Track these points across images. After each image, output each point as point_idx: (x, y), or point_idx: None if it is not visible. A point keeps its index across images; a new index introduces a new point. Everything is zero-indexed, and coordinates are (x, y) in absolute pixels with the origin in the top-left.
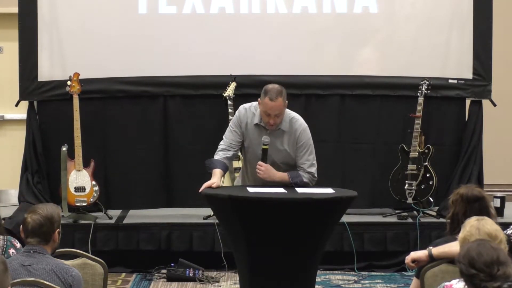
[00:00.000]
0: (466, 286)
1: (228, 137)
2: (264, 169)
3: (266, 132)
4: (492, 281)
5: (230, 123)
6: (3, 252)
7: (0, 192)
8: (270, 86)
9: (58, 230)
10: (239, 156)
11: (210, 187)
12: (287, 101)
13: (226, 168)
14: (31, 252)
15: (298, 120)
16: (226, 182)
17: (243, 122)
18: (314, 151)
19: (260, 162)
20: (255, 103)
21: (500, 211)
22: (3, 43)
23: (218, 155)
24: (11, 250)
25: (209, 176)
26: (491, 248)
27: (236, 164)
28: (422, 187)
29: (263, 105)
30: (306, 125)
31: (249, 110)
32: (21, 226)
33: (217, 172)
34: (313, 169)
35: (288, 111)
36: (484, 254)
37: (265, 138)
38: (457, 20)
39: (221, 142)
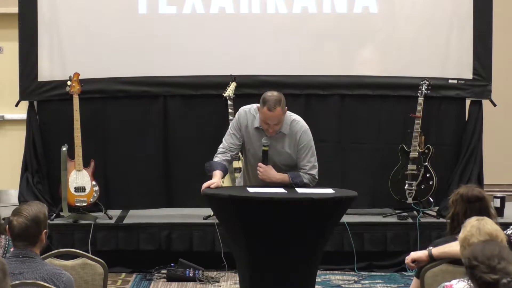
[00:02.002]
0: (469, 284)
1: (227, 140)
2: (263, 170)
3: (267, 135)
4: (492, 273)
5: (230, 126)
6: (5, 252)
7: (0, 192)
8: (269, 94)
9: (45, 230)
10: (239, 156)
11: (209, 187)
12: (286, 107)
13: (225, 170)
14: (20, 257)
15: (299, 122)
16: (226, 183)
17: (242, 125)
18: (315, 152)
19: (260, 164)
20: (255, 105)
21: (500, 211)
22: (3, 43)
23: (218, 158)
24: (13, 250)
25: (209, 178)
26: (495, 244)
27: (236, 164)
28: (422, 187)
29: (261, 114)
30: (307, 127)
31: (249, 112)
32: (6, 227)
33: (217, 173)
34: (314, 171)
35: (288, 113)
36: (487, 249)
37: (265, 140)
38: (457, 20)
39: (221, 145)
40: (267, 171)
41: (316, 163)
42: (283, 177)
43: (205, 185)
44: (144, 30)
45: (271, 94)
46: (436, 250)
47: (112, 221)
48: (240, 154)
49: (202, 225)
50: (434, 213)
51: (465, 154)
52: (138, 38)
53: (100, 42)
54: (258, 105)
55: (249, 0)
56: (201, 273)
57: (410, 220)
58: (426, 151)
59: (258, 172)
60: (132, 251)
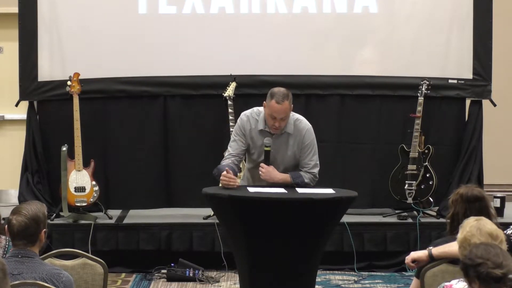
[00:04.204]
0: (467, 286)
1: (233, 146)
2: (266, 170)
3: (271, 137)
4: (498, 268)
5: (233, 132)
6: (5, 252)
7: (0, 192)
8: (276, 89)
9: (44, 230)
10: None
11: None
12: (292, 105)
13: (234, 171)
14: (19, 256)
15: (303, 121)
16: None
17: (246, 130)
18: (317, 151)
19: (262, 164)
20: (255, 109)
21: (500, 211)
22: (3, 43)
23: (225, 162)
24: (12, 250)
25: (211, 177)
26: (495, 245)
27: None
28: (422, 187)
29: (269, 108)
30: (310, 125)
31: (251, 116)
32: (6, 227)
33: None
34: (316, 170)
35: (292, 112)
36: (489, 248)
37: (267, 140)
38: (457, 20)
39: (226, 153)
40: (270, 171)
41: (318, 162)
42: (285, 177)
43: (225, 179)
44: (144, 30)
45: (279, 89)
46: (436, 250)
47: (112, 221)
48: None
49: (202, 225)
50: (434, 213)
51: (465, 154)
52: (138, 38)
53: (100, 42)
54: (258, 108)
55: (249, 0)
56: (201, 273)
57: (410, 220)
58: (426, 151)
59: (260, 172)
60: (132, 251)
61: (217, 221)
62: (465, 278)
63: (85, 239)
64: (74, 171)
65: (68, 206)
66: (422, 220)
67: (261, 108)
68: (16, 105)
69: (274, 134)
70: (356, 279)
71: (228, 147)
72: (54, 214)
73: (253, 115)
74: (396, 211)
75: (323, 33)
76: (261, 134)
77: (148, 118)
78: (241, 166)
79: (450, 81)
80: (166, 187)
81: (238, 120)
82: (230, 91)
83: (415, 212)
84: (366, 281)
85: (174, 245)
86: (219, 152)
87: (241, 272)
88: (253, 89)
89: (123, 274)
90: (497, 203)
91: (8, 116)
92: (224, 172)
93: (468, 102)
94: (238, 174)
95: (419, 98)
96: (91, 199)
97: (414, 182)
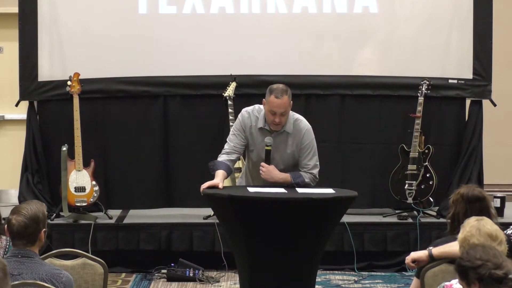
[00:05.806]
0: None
1: (232, 141)
2: (266, 170)
3: (270, 135)
4: (499, 269)
5: (233, 127)
6: (6, 252)
7: (0, 192)
8: (275, 85)
9: (44, 229)
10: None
11: (213, 187)
12: (292, 101)
13: (229, 170)
14: (19, 256)
15: (302, 121)
16: (227, 183)
17: (247, 126)
18: (317, 152)
19: (263, 163)
20: (257, 107)
21: (500, 211)
22: (3, 43)
23: (222, 158)
24: (12, 249)
25: (211, 177)
26: (492, 247)
27: (236, 164)
28: (422, 187)
29: (268, 104)
30: (310, 126)
31: (252, 114)
32: (5, 227)
33: (219, 173)
34: (316, 170)
35: (292, 112)
36: (487, 249)
37: (268, 139)
38: (457, 20)
39: (225, 146)
40: (270, 171)
41: (318, 163)
42: (285, 177)
43: (205, 185)
44: (144, 30)
45: (277, 85)
46: (436, 250)
47: (112, 221)
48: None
49: (202, 225)
50: (434, 213)
51: (465, 154)
52: (138, 38)
53: (100, 42)
54: (259, 106)
55: (249, 0)
56: (201, 273)
57: (410, 220)
58: (426, 151)
59: (261, 171)
60: (132, 251)
61: (217, 221)
62: (462, 281)
63: (85, 239)
64: (74, 171)
65: (68, 206)
66: (422, 220)
67: (262, 106)
68: (16, 105)
69: (273, 132)
70: (356, 279)
71: (227, 141)
72: (54, 214)
73: (254, 112)
74: (396, 211)
75: (323, 33)
76: (260, 132)
77: (148, 118)
78: (240, 165)
79: (450, 81)
80: (166, 187)
81: (239, 116)
82: (230, 91)
83: (415, 212)
84: (366, 281)
85: (174, 245)
86: (219, 152)
87: (241, 272)
88: (253, 89)
89: (123, 274)
90: (497, 203)
91: (8, 116)
92: (205, 184)
93: (468, 102)
94: (236, 175)
95: (419, 98)
96: (91, 199)
97: (414, 182)
